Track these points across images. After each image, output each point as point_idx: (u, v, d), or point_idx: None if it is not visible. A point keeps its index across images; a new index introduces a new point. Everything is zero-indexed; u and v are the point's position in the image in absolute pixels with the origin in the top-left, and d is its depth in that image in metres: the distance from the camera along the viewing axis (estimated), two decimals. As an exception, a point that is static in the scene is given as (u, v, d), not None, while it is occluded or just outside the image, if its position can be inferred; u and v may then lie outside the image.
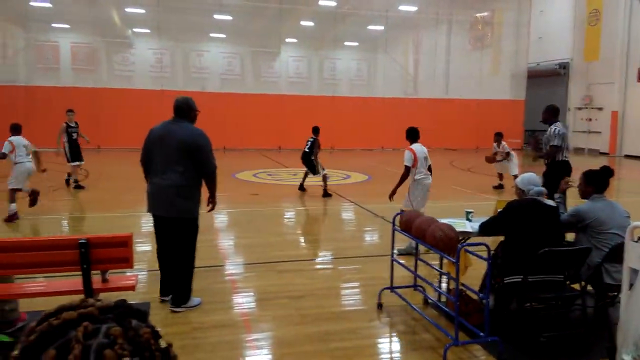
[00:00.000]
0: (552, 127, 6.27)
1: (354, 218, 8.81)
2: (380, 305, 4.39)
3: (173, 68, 22.63)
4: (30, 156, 7.80)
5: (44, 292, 3.56)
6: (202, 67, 22.99)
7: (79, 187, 10.78)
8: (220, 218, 8.38)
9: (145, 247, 6.20)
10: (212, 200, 4.54)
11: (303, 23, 23.76)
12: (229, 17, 22.41)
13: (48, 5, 20.55)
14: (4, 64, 20.29)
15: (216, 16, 22.16)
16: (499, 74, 24.77)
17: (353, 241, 7.04)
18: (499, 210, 4.17)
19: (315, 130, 10.44)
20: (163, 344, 0.63)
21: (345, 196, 10.41)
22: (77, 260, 3.14)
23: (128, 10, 21.48)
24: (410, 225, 4.08)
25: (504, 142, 11.52)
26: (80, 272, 3.25)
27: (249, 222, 8.02)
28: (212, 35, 23.34)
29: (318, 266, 5.92)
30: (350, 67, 25.00)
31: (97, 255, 3.17)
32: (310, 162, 10.17)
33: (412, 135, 6.31)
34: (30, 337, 0.60)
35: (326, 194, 10.18)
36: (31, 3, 20.10)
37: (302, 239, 7.30)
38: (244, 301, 4.64)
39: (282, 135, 21.92)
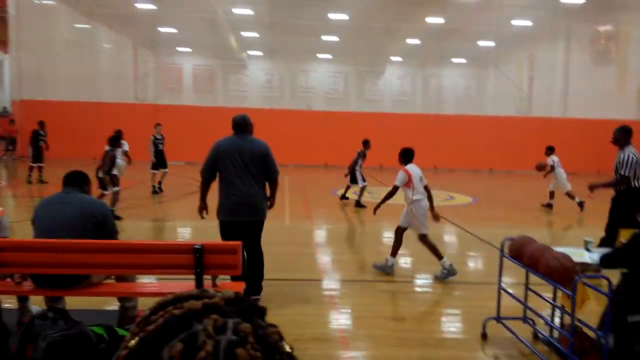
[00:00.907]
0: (624, 152, 5.71)
1: (457, 242, 8.47)
2: (484, 336, 4.15)
3: (281, 88, 23.73)
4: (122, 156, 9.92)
5: (161, 292, 3.86)
6: (308, 87, 23.83)
7: (158, 191, 12.06)
8: (320, 233, 8.53)
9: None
10: (272, 201, 4.99)
11: (409, 41, 23.66)
12: (336, 38, 23.03)
13: (174, 30, 22.66)
14: (136, 85, 22.67)
15: (324, 37, 22.88)
16: (624, 91, 22.60)
17: (456, 266, 6.76)
18: (623, 240, 3.78)
19: (364, 143, 11.74)
20: (287, 347, 0.57)
21: (448, 218, 10.06)
22: (191, 264, 3.36)
23: (244, 34, 22.97)
24: (522, 252, 3.83)
25: (553, 156, 11.33)
26: (191, 276, 3.49)
27: (348, 239, 8.06)
28: (319, 55, 24.13)
29: (418, 289, 5.77)
30: (458, 84, 24.38)
31: (209, 260, 3.38)
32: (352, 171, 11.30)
33: (407, 156, 6.15)
34: (148, 327, 0.54)
35: (359, 205, 11.03)
36: (159, 29, 22.30)
37: (401, 260, 7.16)
38: (341, 317, 4.65)
39: (384, 154, 21.88)
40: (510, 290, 4.36)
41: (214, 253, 3.46)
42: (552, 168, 11.22)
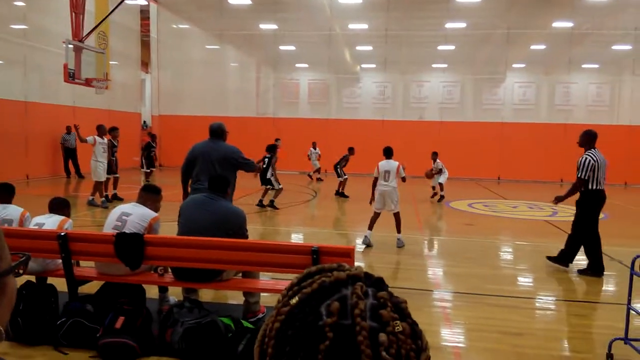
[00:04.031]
0: (584, 155, 6.29)
1: (583, 259, 7.84)
2: (610, 357, 3.85)
3: (394, 99, 23.72)
4: None
5: (280, 289, 4.16)
6: (422, 97, 23.52)
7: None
8: (431, 244, 8.43)
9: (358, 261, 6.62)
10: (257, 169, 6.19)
11: (533, 47, 22.36)
12: (452, 47, 22.55)
13: (293, 48, 23.85)
14: (258, 100, 24.21)
15: (440, 47, 22.53)
16: None
17: (581, 284, 6.29)
18: None
19: (349, 150, 14.61)
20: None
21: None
22: (309, 265, 3.60)
23: (358, 48, 23.44)
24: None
25: (438, 160, 13.63)
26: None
27: (462, 252, 7.86)
28: (433, 65, 23.76)
29: (538, 305, 5.47)
30: (588, 91, 22.44)
31: (324, 262, 3.59)
32: None
33: (385, 152, 7.75)
34: (304, 289, 0.65)
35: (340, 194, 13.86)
36: (280, 47, 23.62)
37: (519, 275, 6.83)
38: (454, 329, 4.59)
39: (502, 165, 20.88)
40: (644, 313, 3.99)
41: (329, 255, 3.67)
42: (441, 171, 13.52)
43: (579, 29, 20.52)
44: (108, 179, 11.25)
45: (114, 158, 11.46)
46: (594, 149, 6.36)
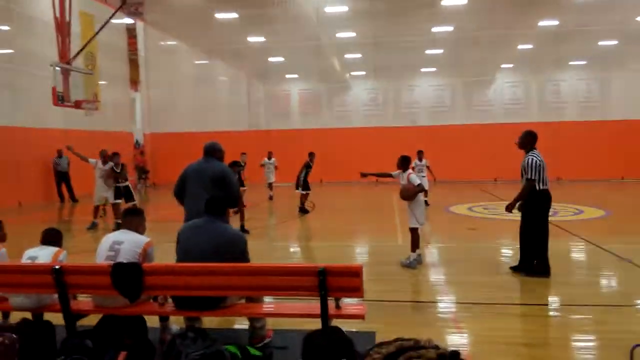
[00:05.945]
0: (528, 156, 6.23)
1: (588, 260, 7.76)
2: (632, 366, 3.74)
3: (385, 105, 23.74)
4: None
5: (287, 313, 4.02)
6: (412, 102, 23.56)
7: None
8: (434, 253, 8.30)
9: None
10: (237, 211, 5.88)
11: (520, 47, 22.48)
12: (440, 51, 22.61)
13: (282, 59, 23.83)
14: (249, 112, 24.12)
15: (428, 51, 22.58)
16: None
17: (589, 287, 6.19)
18: None
19: (310, 155, 13.14)
20: None
21: (577, 234, 9.28)
22: (315, 287, 3.46)
23: (347, 56, 23.46)
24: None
25: (424, 159, 13.15)
26: (312, 297, 3.56)
27: (466, 259, 7.74)
28: (422, 70, 23.80)
29: (547, 312, 5.35)
30: (578, 88, 22.55)
31: (332, 283, 3.46)
32: None
33: (409, 162, 7.23)
34: None
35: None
36: (269, 59, 23.59)
37: (526, 282, 6.72)
38: (464, 342, 4.46)
39: (497, 166, 20.86)
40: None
41: (336, 275, 3.53)
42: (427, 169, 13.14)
43: (565, 27, 20.64)
44: (115, 203, 10.64)
45: (121, 184, 10.83)
46: (535, 149, 6.31)
